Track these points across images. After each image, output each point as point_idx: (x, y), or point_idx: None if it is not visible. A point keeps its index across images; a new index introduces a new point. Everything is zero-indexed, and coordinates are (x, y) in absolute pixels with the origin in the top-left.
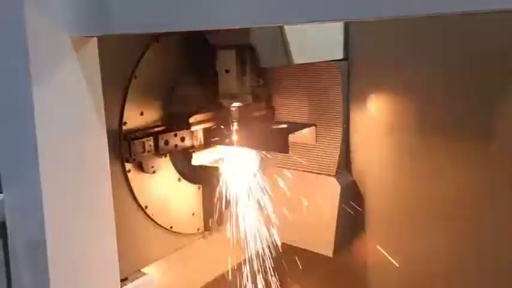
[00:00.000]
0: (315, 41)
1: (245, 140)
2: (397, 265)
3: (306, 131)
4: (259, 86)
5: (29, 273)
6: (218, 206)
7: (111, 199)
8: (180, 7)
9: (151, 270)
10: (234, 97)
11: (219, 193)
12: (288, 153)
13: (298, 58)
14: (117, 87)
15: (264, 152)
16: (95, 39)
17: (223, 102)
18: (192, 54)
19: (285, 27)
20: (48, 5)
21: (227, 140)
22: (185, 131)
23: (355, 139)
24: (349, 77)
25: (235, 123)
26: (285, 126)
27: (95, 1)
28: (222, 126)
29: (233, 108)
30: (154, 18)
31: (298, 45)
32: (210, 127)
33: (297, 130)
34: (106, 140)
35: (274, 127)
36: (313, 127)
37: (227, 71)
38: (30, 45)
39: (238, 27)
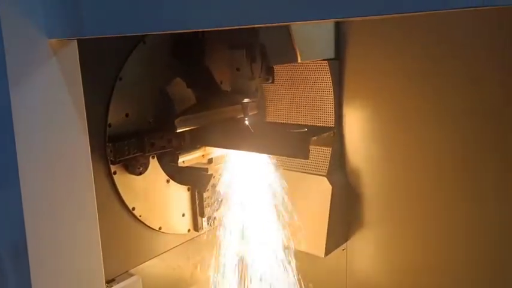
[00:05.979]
0: (314, 40)
1: (258, 144)
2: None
3: (325, 135)
4: (268, 83)
5: (13, 275)
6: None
7: (95, 200)
8: (160, 8)
9: None
10: (245, 94)
11: (209, 194)
12: (308, 159)
13: (303, 56)
14: (101, 89)
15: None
16: (75, 42)
17: (234, 98)
18: (179, 55)
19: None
20: (24, 9)
21: (233, 143)
22: (172, 132)
23: (350, 139)
24: (342, 76)
25: (246, 121)
26: (305, 129)
27: (71, 5)
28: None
29: (245, 105)
30: (129, 20)
31: (303, 44)
32: (197, 128)
33: (318, 135)
34: (88, 142)
35: (293, 131)
36: (332, 131)
37: (238, 69)
38: (7, 49)
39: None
